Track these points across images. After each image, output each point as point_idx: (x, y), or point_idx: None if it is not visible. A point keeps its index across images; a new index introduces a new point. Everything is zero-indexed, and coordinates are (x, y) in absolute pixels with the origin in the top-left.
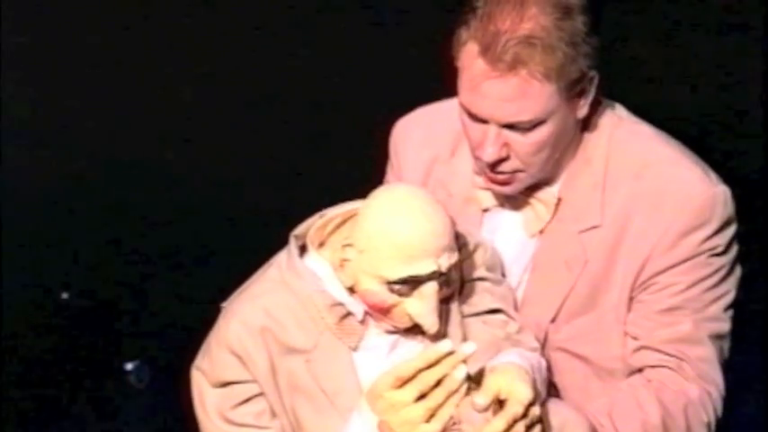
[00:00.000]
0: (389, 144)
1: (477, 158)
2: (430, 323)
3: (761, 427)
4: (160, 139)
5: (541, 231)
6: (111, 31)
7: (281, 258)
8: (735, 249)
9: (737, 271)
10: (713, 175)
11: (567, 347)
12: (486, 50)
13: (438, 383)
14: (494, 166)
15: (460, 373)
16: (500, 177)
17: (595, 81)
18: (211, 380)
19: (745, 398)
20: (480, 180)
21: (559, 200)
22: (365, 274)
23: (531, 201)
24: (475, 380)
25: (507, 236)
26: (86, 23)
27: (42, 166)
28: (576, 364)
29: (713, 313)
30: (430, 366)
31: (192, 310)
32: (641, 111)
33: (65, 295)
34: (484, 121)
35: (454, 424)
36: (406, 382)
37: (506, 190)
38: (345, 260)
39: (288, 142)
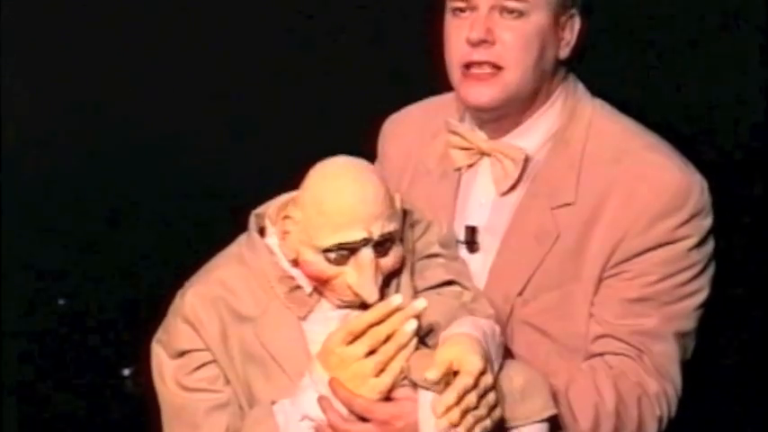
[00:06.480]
0: (378, 141)
1: (459, 63)
2: (368, 293)
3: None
4: (162, 140)
5: (513, 188)
6: (110, 29)
7: (242, 236)
8: (710, 245)
9: (711, 270)
10: (691, 165)
11: (533, 322)
12: None
13: (389, 338)
14: (477, 45)
15: (410, 326)
16: (482, 73)
17: (577, 25)
18: (169, 351)
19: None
20: (455, 139)
21: (527, 158)
22: (302, 244)
23: (500, 156)
24: (429, 344)
25: (480, 196)
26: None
27: (42, 168)
28: (540, 339)
29: (681, 310)
30: (381, 322)
31: None
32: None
33: (61, 301)
34: (473, 9)
35: (404, 378)
36: (357, 337)
37: (485, 94)
38: (286, 232)
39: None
